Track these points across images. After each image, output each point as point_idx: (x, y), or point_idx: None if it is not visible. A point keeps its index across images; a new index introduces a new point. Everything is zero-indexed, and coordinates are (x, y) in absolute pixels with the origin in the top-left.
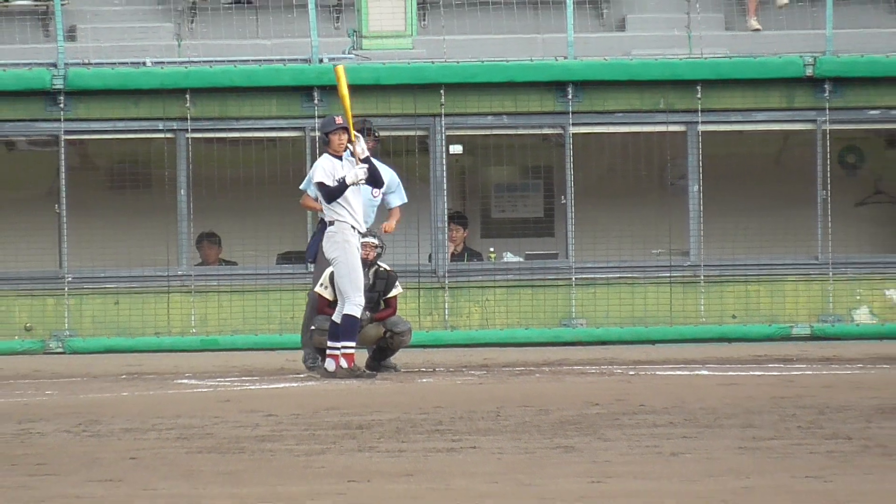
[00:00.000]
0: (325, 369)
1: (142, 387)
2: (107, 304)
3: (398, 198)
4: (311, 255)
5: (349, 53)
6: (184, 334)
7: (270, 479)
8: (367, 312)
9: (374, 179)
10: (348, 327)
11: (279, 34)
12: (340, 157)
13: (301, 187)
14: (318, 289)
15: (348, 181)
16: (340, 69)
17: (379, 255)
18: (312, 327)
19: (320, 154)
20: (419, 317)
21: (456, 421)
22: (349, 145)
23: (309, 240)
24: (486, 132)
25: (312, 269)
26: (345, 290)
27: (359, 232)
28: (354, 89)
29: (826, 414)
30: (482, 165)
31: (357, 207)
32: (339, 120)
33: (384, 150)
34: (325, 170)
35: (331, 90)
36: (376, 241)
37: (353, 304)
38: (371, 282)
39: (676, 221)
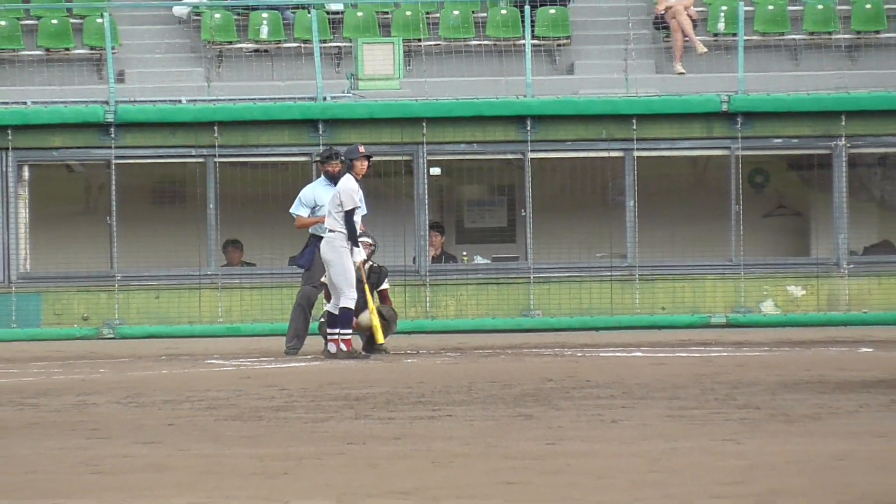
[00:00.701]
0: (328, 351)
1: (178, 366)
2: (149, 297)
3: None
4: (308, 263)
5: (348, 93)
6: (212, 323)
7: (283, 441)
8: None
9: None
10: (345, 317)
11: (290, 77)
12: (358, 179)
13: (291, 211)
14: (323, 280)
15: (355, 259)
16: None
17: (373, 253)
18: (321, 318)
19: (341, 174)
20: (405, 308)
21: (435, 394)
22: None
23: (302, 249)
24: (459, 157)
25: (302, 274)
26: (340, 287)
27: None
28: (352, 122)
29: (738, 388)
30: (457, 184)
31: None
32: (362, 149)
33: (376, 171)
34: (353, 191)
35: (332, 122)
36: (371, 241)
37: (348, 298)
38: (366, 275)
39: (616, 230)
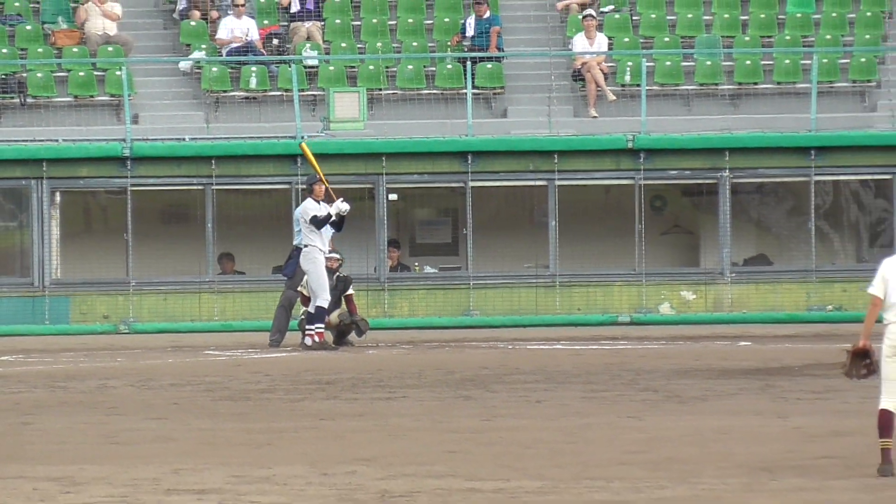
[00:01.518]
0: (305, 344)
1: (181, 356)
2: (158, 299)
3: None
4: (291, 272)
5: (322, 132)
6: (210, 320)
7: (268, 417)
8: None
9: (339, 224)
10: (319, 315)
11: (274, 119)
12: (318, 202)
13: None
14: (300, 289)
15: (333, 212)
16: (304, 145)
17: (340, 266)
18: (301, 317)
19: (303, 199)
20: (367, 309)
21: (392, 379)
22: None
23: (285, 261)
24: (413, 185)
25: (286, 281)
26: (316, 290)
27: (324, 253)
28: (325, 157)
29: (641, 375)
30: (410, 208)
31: (324, 238)
32: (319, 176)
33: (344, 197)
34: (311, 209)
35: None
36: (338, 256)
37: (323, 299)
38: (335, 284)
39: (540, 245)
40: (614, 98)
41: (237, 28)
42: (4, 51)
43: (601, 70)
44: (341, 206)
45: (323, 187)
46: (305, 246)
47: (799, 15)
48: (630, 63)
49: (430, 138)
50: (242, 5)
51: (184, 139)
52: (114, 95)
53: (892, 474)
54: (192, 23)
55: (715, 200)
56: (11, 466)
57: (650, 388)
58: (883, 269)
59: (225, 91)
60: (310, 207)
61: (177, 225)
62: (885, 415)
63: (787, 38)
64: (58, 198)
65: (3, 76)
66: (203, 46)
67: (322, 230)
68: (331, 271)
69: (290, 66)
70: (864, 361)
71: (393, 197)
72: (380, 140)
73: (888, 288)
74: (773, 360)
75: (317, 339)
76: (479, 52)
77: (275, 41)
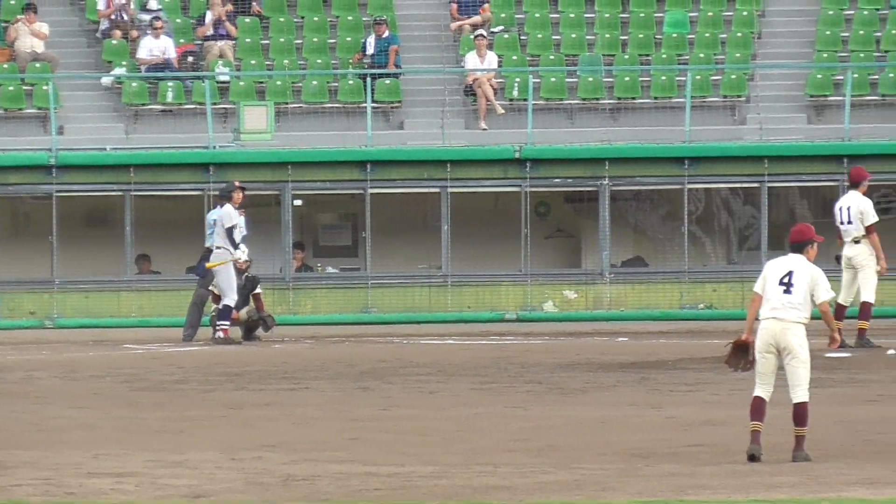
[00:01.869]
0: (216, 338)
1: (102, 349)
2: (81, 297)
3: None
4: (201, 271)
5: (232, 143)
6: (128, 316)
7: (181, 407)
8: (250, 306)
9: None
10: (226, 313)
11: (189, 131)
12: (237, 208)
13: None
14: (211, 288)
15: (238, 257)
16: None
17: (248, 267)
18: (212, 313)
19: (218, 205)
20: (274, 306)
21: (297, 371)
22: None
23: (197, 261)
24: (316, 192)
25: (198, 280)
26: (225, 290)
27: (233, 255)
28: (236, 166)
29: (526, 368)
30: (314, 212)
31: (235, 242)
32: (237, 183)
33: (253, 202)
34: (233, 216)
35: (220, 165)
36: (247, 258)
37: (230, 299)
38: (243, 283)
39: (433, 248)
40: (503, 111)
41: (155, 47)
42: None
43: (491, 86)
44: (241, 254)
45: (241, 195)
46: (217, 248)
47: (674, 35)
48: (518, 79)
49: (333, 148)
50: (160, 27)
51: (105, 149)
52: (41, 108)
53: (759, 454)
54: (114, 42)
55: (595, 206)
56: None
57: (535, 381)
58: (765, 269)
59: (143, 104)
60: (233, 215)
61: (98, 228)
62: (757, 400)
63: (664, 56)
64: None
65: None
66: (123, 63)
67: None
68: (239, 272)
69: (203, 82)
70: (745, 355)
71: (298, 203)
72: (286, 150)
73: (766, 286)
74: (649, 354)
75: (220, 334)
76: (379, 69)
77: (190, 58)
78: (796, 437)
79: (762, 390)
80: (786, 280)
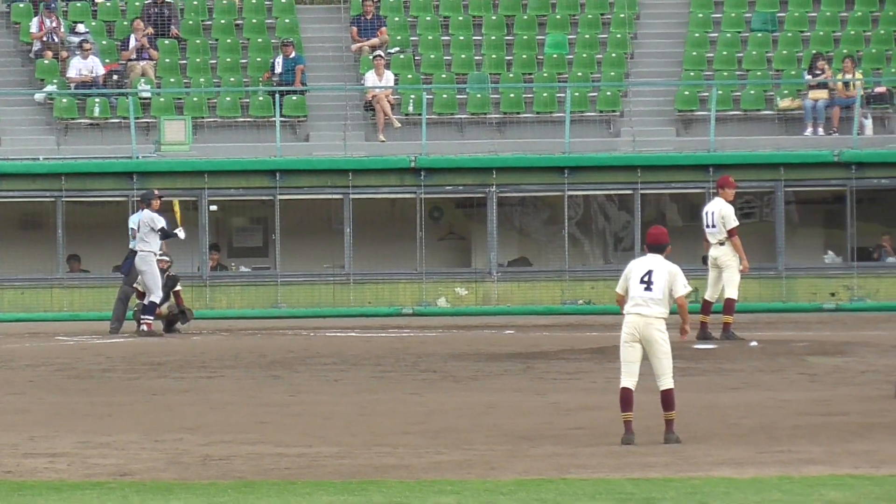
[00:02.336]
0: (140, 331)
1: (36, 341)
2: (16, 293)
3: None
4: (127, 270)
5: (154, 154)
6: (60, 311)
7: (108, 393)
8: (171, 301)
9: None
10: (151, 308)
11: (114, 143)
12: (157, 212)
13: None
14: (136, 286)
15: (181, 235)
16: (176, 203)
17: (169, 267)
18: (136, 308)
19: (140, 209)
20: (192, 302)
21: (213, 361)
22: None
23: (122, 261)
24: (230, 198)
25: (123, 278)
26: (151, 288)
27: (157, 255)
28: (157, 175)
29: (422, 357)
30: (229, 216)
31: (157, 245)
32: (156, 191)
33: (173, 208)
34: (156, 218)
35: (142, 174)
36: (168, 259)
37: (156, 296)
38: (165, 281)
39: (337, 248)
40: (399, 125)
41: (83, 67)
42: None
43: (388, 101)
44: (181, 233)
45: (159, 202)
46: (142, 250)
47: (555, 55)
48: (413, 96)
49: (245, 159)
50: (89, 49)
51: (38, 159)
52: None
53: (633, 443)
54: (46, 61)
55: (484, 211)
56: None
57: (429, 370)
58: (627, 269)
59: (73, 119)
60: (156, 218)
61: (32, 231)
62: (625, 392)
63: (545, 74)
64: None
65: None
66: (54, 81)
67: (158, 239)
68: (161, 271)
69: (127, 98)
70: None
71: (213, 208)
72: (203, 160)
73: (629, 285)
74: (533, 346)
75: (144, 328)
76: (286, 87)
77: (115, 77)
78: (666, 421)
79: (628, 381)
80: (646, 278)
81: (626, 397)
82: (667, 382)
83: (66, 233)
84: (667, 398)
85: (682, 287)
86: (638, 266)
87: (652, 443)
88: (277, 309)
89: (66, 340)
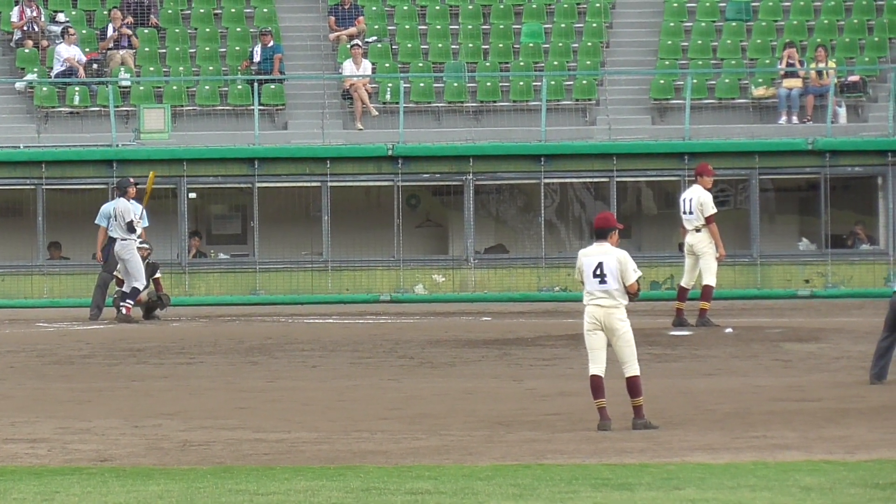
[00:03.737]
0: (120, 315)
1: (16, 328)
2: None
3: (144, 223)
4: (105, 257)
5: (133, 142)
6: (40, 298)
7: (88, 379)
8: (151, 288)
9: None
10: (133, 294)
11: (94, 131)
12: (129, 201)
13: (97, 222)
14: (115, 273)
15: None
16: (153, 174)
17: (150, 254)
18: (115, 295)
19: (115, 196)
20: (172, 288)
21: (192, 347)
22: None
23: (100, 249)
24: (209, 186)
25: (102, 265)
26: (134, 275)
27: (137, 243)
28: (136, 163)
29: (399, 343)
30: (208, 204)
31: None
32: (132, 181)
33: (153, 195)
34: (129, 210)
35: (122, 162)
36: (147, 246)
37: (140, 283)
38: (145, 268)
39: (315, 236)
40: (377, 113)
41: (69, 52)
42: None
43: (366, 90)
44: (142, 223)
45: (135, 190)
46: (123, 239)
47: (531, 45)
48: (390, 84)
49: (224, 147)
50: (73, 35)
51: (19, 147)
52: None
53: (610, 429)
54: (26, 50)
55: (461, 199)
56: None
57: (407, 356)
58: (579, 261)
59: (53, 107)
60: (130, 209)
61: (13, 218)
62: (595, 379)
63: (522, 63)
64: None
65: None
66: (35, 70)
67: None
68: (141, 258)
69: (107, 87)
70: None
71: (192, 195)
72: (182, 148)
73: (584, 278)
74: (510, 332)
75: (123, 310)
76: (265, 76)
77: (95, 66)
78: (634, 408)
79: (597, 368)
80: (598, 271)
81: (596, 384)
82: (632, 369)
83: (46, 220)
84: (633, 385)
85: (633, 273)
86: (588, 259)
87: (627, 429)
88: (256, 296)
89: (47, 327)
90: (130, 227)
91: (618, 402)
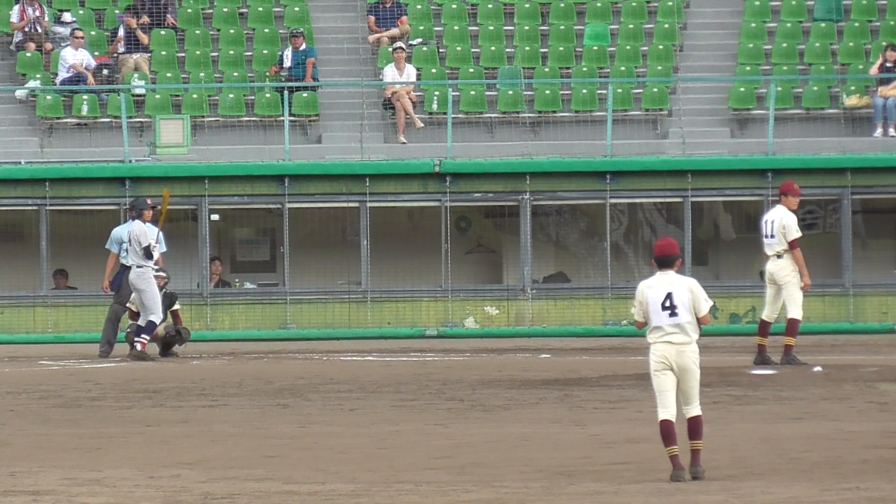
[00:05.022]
0: (135, 351)
1: (17, 366)
2: None
3: (162, 248)
4: (116, 287)
5: (148, 157)
6: (44, 332)
7: (98, 424)
8: (168, 321)
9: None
10: (149, 328)
11: (104, 145)
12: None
13: (108, 247)
14: (129, 305)
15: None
16: (167, 192)
17: (166, 283)
18: (129, 329)
19: (130, 219)
20: (191, 322)
21: (214, 388)
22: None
23: (113, 277)
24: (233, 206)
25: (113, 295)
26: (151, 307)
27: (154, 271)
28: (152, 180)
29: (447, 385)
30: (231, 227)
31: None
32: (149, 202)
33: (169, 217)
34: (146, 234)
35: (136, 180)
36: (164, 275)
37: (156, 316)
38: (161, 300)
39: (353, 263)
40: (422, 125)
41: (75, 57)
42: None
43: (410, 99)
44: (159, 248)
45: (151, 213)
46: (139, 266)
47: (595, 48)
48: (437, 92)
49: (250, 163)
50: (82, 37)
51: (20, 162)
52: None
53: (684, 479)
54: (28, 54)
55: (516, 221)
56: None
57: (456, 398)
58: (640, 294)
59: (58, 118)
60: (147, 233)
61: (13, 243)
62: (666, 424)
63: (584, 69)
64: None
65: None
66: (38, 76)
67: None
68: (159, 287)
69: (119, 95)
70: None
71: (215, 217)
72: (202, 164)
73: (649, 312)
74: (572, 371)
75: (138, 347)
76: (296, 82)
77: (105, 71)
78: (693, 451)
79: (667, 412)
80: (668, 304)
81: (667, 430)
82: (695, 409)
83: (50, 245)
84: (698, 425)
85: (705, 302)
86: (654, 290)
87: (705, 479)
88: (286, 330)
89: (51, 365)
90: (148, 253)
91: (686, 449)
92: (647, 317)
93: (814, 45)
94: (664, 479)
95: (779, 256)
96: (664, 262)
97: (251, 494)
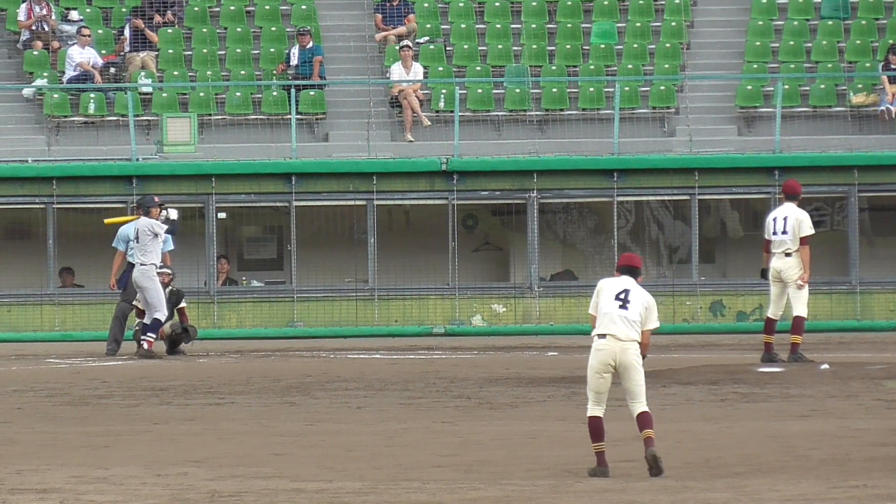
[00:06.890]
0: (141, 349)
1: (24, 364)
2: (2, 311)
3: (168, 246)
4: (123, 285)
5: (155, 155)
6: (51, 330)
7: (105, 422)
8: (175, 319)
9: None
10: (154, 326)
11: (111, 143)
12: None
13: (114, 245)
14: (135, 303)
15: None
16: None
17: (171, 281)
18: (135, 328)
19: (137, 217)
20: (198, 320)
21: (221, 386)
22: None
23: (120, 276)
24: (240, 204)
25: (120, 293)
26: (155, 305)
27: (157, 269)
28: (158, 178)
29: (454, 382)
30: (238, 225)
31: (158, 257)
32: (157, 199)
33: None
34: (155, 226)
35: (143, 178)
36: (169, 272)
37: (161, 313)
38: (167, 297)
39: (360, 261)
40: (429, 123)
41: (83, 56)
42: None
43: (417, 97)
44: (173, 213)
45: (159, 210)
46: (143, 264)
47: (602, 45)
48: (444, 90)
49: (257, 160)
50: (89, 35)
51: (26, 161)
52: None
53: (606, 475)
54: (35, 52)
55: (524, 219)
56: None
57: (463, 396)
58: (598, 287)
59: (65, 116)
60: (152, 224)
61: (20, 241)
62: (594, 421)
63: (591, 67)
64: None
65: None
66: (45, 74)
67: (157, 251)
68: (163, 286)
69: (126, 93)
70: None
71: (222, 215)
72: (209, 162)
73: (601, 301)
74: (579, 369)
75: (145, 345)
76: (303, 80)
77: (112, 69)
78: (646, 438)
79: (597, 409)
80: (622, 296)
81: (596, 427)
82: (643, 406)
83: (57, 243)
84: (646, 418)
85: (656, 321)
86: (612, 284)
87: (710, 477)
88: (293, 328)
89: (58, 363)
90: (172, 230)
91: (696, 447)
92: (599, 308)
93: (821, 42)
94: (672, 476)
95: (787, 255)
96: (626, 271)
97: (258, 492)
